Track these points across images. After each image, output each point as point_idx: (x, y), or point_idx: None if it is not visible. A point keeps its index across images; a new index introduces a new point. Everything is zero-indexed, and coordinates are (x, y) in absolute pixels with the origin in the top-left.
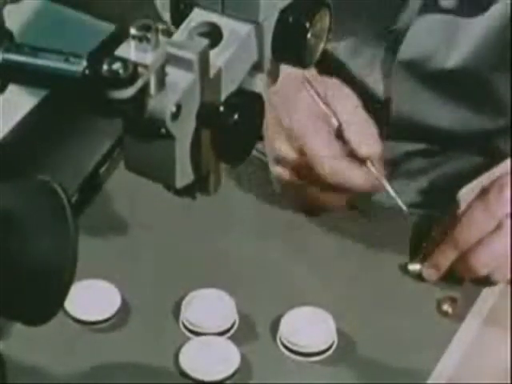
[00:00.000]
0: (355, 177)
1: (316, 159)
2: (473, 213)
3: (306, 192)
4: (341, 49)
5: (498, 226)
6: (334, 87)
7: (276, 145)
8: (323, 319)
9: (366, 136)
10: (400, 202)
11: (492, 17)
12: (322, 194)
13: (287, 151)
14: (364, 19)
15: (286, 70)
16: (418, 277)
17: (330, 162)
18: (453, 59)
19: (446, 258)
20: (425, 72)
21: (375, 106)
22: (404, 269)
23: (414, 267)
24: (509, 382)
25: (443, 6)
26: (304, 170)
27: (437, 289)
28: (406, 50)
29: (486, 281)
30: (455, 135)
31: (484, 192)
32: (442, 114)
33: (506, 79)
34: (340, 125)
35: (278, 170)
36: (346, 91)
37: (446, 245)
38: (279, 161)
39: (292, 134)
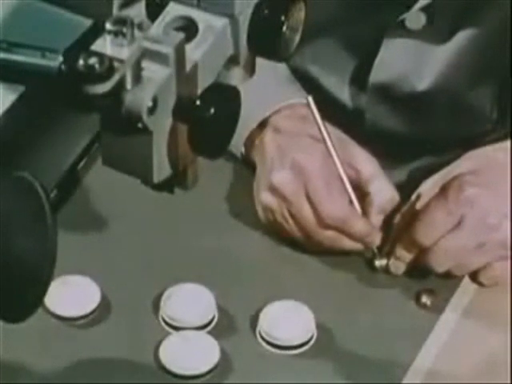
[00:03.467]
0: (358, 225)
1: (320, 199)
2: (432, 211)
3: (300, 228)
4: (314, 67)
5: (457, 225)
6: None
7: (276, 174)
8: (302, 313)
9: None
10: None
11: (458, 42)
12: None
13: (289, 184)
14: (336, 38)
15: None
16: (386, 272)
17: (334, 206)
18: (424, 81)
19: (408, 251)
20: (397, 94)
21: (349, 121)
22: (371, 265)
23: (381, 262)
24: (487, 373)
25: (410, 28)
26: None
27: (415, 281)
28: (378, 73)
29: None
30: (430, 145)
31: (443, 190)
32: (416, 129)
33: (481, 93)
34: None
35: (269, 200)
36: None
37: (407, 240)
38: (274, 190)
39: (297, 169)
